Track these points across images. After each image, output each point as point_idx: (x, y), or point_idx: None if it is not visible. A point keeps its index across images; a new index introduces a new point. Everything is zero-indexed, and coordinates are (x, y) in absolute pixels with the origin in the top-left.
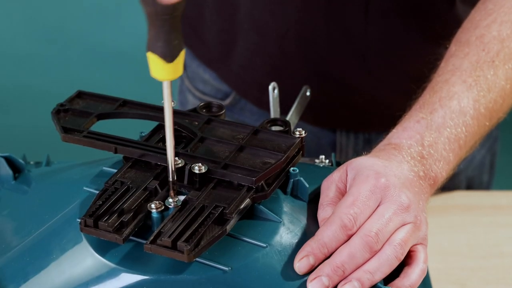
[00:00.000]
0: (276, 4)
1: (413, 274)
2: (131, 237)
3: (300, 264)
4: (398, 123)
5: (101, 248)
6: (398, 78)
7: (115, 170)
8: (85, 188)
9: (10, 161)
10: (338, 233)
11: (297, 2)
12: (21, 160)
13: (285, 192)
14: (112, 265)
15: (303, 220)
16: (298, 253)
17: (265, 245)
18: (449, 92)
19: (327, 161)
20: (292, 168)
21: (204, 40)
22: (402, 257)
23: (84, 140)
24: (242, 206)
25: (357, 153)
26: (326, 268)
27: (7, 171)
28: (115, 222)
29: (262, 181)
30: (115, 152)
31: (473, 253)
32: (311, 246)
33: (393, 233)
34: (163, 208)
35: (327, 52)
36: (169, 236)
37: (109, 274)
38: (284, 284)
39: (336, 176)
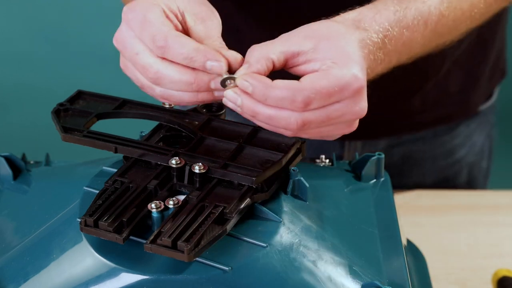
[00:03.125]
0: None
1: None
2: (131, 237)
3: (240, 82)
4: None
5: (101, 247)
6: (400, 89)
7: (115, 170)
8: (85, 187)
9: (10, 161)
10: (286, 100)
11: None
12: (21, 160)
13: (285, 192)
14: (112, 265)
15: (303, 220)
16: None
17: (265, 245)
18: None
19: (327, 160)
20: (292, 168)
21: None
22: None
23: (84, 140)
24: (242, 206)
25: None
26: (249, 105)
27: (7, 170)
28: (115, 222)
29: (262, 181)
30: (115, 151)
31: (473, 253)
32: (254, 83)
33: None
34: (163, 207)
35: None
36: (169, 236)
37: (109, 274)
38: (284, 284)
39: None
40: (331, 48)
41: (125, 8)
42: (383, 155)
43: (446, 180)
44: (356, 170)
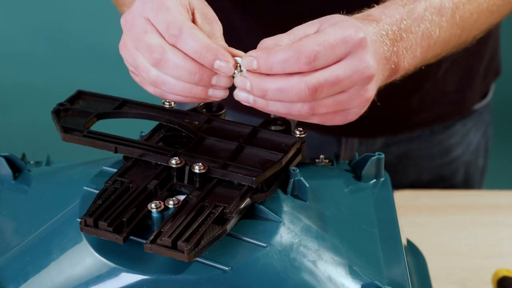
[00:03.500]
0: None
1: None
2: (131, 237)
3: (244, 60)
4: (381, 2)
5: (101, 247)
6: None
7: (115, 170)
8: (85, 187)
9: (10, 161)
10: (290, 61)
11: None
12: (21, 160)
13: (285, 192)
14: (112, 264)
15: (303, 220)
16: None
17: (265, 245)
18: None
19: (327, 160)
20: (292, 168)
21: None
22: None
23: (84, 140)
24: (242, 206)
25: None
26: (260, 84)
27: (7, 170)
28: (115, 222)
29: (262, 181)
30: (115, 151)
31: (473, 253)
32: (258, 54)
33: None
34: (163, 208)
35: None
36: (169, 236)
37: (109, 274)
38: (284, 284)
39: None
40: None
41: None
42: (383, 155)
43: (443, 179)
44: (356, 170)
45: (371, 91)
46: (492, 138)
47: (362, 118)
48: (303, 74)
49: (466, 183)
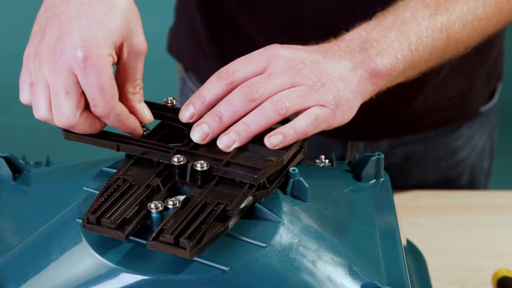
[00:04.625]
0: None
1: (297, 120)
2: (131, 237)
3: (182, 113)
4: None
5: (101, 248)
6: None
7: (115, 170)
8: (84, 188)
9: (10, 161)
10: (214, 83)
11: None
12: (21, 160)
13: (284, 192)
14: (111, 265)
15: (303, 220)
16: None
17: (264, 245)
18: (405, 6)
19: (327, 161)
20: (291, 168)
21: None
22: (283, 112)
23: (86, 138)
24: (244, 204)
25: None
26: (206, 116)
27: (7, 171)
28: (118, 219)
29: (264, 179)
30: (117, 150)
31: (473, 253)
32: (191, 97)
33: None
34: (162, 208)
35: None
36: (172, 233)
37: (109, 274)
38: (283, 284)
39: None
40: None
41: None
42: (382, 156)
43: (448, 181)
44: (356, 170)
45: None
46: (497, 139)
47: (366, 121)
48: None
49: (471, 185)
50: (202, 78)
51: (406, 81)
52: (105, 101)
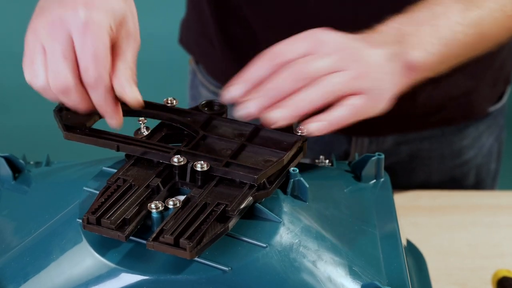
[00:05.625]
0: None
1: (336, 110)
2: (131, 237)
3: (228, 92)
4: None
5: (101, 248)
6: None
7: (115, 170)
8: (85, 188)
9: (10, 161)
10: (261, 64)
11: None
12: (21, 160)
13: (285, 192)
14: (112, 265)
15: (303, 220)
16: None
17: (265, 245)
18: (436, 1)
19: (327, 161)
20: (292, 168)
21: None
22: (327, 96)
23: (86, 138)
24: (244, 204)
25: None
26: (253, 95)
27: (7, 171)
28: (118, 219)
29: (264, 179)
30: (117, 150)
31: (473, 253)
32: (237, 78)
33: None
34: (163, 208)
35: None
36: (172, 234)
37: (109, 274)
38: (284, 284)
39: None
40: None
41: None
42: (383, 156)
43: (454, 181)
44: (356, 171)
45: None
46: (505, 141)
47: (369, 118)
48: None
49: (477, 186)
50: (210, 70)
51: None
52: (98, 69)
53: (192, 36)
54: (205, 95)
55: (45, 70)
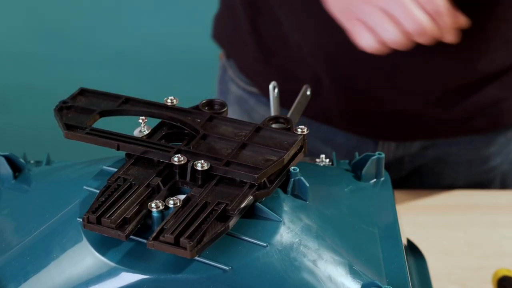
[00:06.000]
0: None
1: None
2: (131, 236)
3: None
4: None
5: (102, 247)
6: (428, 89)
7: (115, 169)
8: (85, 187)
9: (10, 160)
10: None
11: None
12: (21, 159)
13: (285, 191)
14: (112, 264)
15: (304, 220)
16: None
17: (265, 245)
18: None
19: (327, 160)
20: (292, 168)
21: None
22: None
23: (86, 137)
24: (244, 203)
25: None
26: None
27: (7, 170)
28: (118, 218)
29: (265, 178)
30: (118, 149)
31: (473, 253)
32: None
33: None
34: (163, 207)
35: (353, 68)
36: (172, 233)
37: (110, 273)
38: (284, 283)
39: None
40: None
41: None
42: (383, 155)
43: (478, 186)
44: (356, 170)
45: None
46: None
47: (398, 122)
48: None
49: None
50: (242, 66)
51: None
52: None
53: (224, 33)
54: (234, 91)
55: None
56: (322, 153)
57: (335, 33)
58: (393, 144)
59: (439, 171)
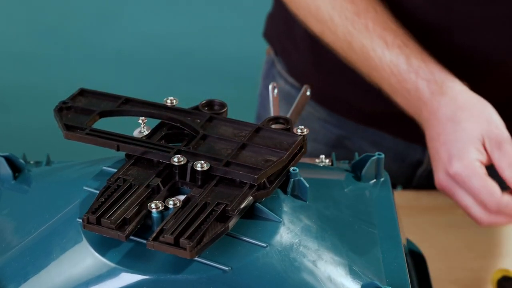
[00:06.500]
0: None
1: None
2: (131, 237)
3: None
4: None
5: (101, 247)
6: None
7: (115, 170)
8: (85, 187)
9: (10, 161)
10: None
11: None
12: (21, 160)
13: (285, 192)
14: (112, 264)
15: (303, 220)
16: None
17: (265, 245)
18: None
19: (327, 160)
20: (292, 168)
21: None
22: None
23: (86, 138)
24: (244, 204)
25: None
26: None
27: (7, 170)
28: (118, 219)
29: (264, 179)
30: (118, 149)
31: (473, 253)
32: None
33: None
34: (163, 208)
35: None
36: (172, 233)
37: (109, 274)
38: (284, 284)
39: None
40: None
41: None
42: (383, 155)
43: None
44: (356, 170)
45: None
46: None
47: None
48: None
49: None
50: (291, 68)
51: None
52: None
53: (276, 32)
54: (282, 87)
55: None
56: None
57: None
58: None
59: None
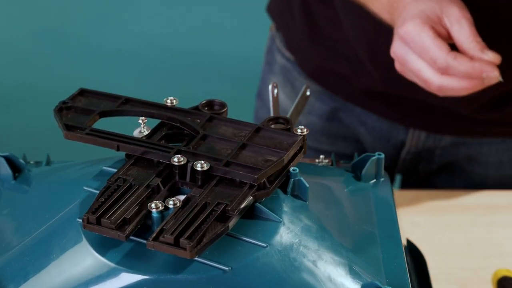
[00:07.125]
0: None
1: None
2: (131, 237)
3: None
4: None
5: (101, 247)
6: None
7: (115, 170)
8: (85, 187)
9: (10, 161)
10: None
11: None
12: (21, 160)
13: (285, 192)
14: (112, 264)
15: (303, 220)
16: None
17: (265, 245)
18: None
19: (326, 160)
20: (292, 168)
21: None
22: None
23: (86, 138)
24: (244, 204)
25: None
26: None
27: (7, 170)
28: (118, 219)
29: (264, 179)
30: (118, 149)
31: (473, 253)
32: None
33: None
34: (163, 208)
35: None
36: (172, 233)
37: (109, 274)
38: (284, 284)
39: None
40: None
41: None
42: (383, 155)
43: (508, 187)
44: (356, 170)
45: None
46: None
47: (428, 109)
48: None
49: None
50: (288, 40)
51: None
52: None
53: (277, 6)
54: (279, 61)
55: None
56: (357, 132)
57: (376, 22)
58: (423, 134)
59: (469, 170)
